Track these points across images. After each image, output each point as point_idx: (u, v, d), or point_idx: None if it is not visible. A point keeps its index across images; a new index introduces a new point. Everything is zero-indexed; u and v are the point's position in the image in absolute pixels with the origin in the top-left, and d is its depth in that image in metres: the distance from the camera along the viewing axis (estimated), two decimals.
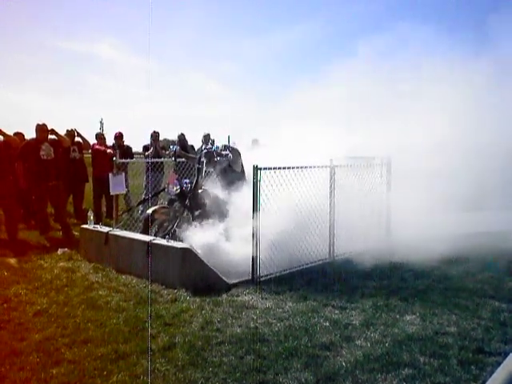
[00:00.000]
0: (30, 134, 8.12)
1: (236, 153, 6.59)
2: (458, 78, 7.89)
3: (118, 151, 10.00)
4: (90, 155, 10.17)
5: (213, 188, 6.68)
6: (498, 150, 7.35)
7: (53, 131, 7.90)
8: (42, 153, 7.63)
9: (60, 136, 8.04)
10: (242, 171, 6.66)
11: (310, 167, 6.13)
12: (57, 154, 7.81)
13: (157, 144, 10.19)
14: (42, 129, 7.71)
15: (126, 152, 10.15)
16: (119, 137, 10.28)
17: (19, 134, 8.77)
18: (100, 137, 10.17)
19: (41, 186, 7.66)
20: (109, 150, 9.55)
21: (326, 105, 7.58)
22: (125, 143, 10.37)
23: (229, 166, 6.56)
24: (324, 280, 5.50)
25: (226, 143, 6.91)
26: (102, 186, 8.96)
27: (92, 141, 10.02)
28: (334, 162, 6.36)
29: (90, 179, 10.01)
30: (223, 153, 6.46)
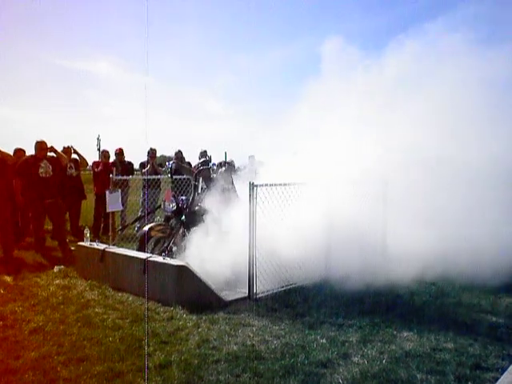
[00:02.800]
0: (28, 150, 8.18)
1: (231, 168, 6.64)
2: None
3: (115, 168, 10.07)
4: (87, 171, 10.20)
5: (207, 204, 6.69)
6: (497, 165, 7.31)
7: (52, 149, 7.94)
8: (40, 170, 7.65)
9: (59, 154, 8.08)
10: (232, 187, 6.69)
11: (307, 184, 6.15)
12: (55, 172, 7.84)
13: (153, 161, 10.24)
14: (41, 146, 7.75)
15: (127, 168, 10.19)
16: (120, 153, 10.34)
17: (20, 151, 8.79)
18: (104, 154, 10.26)
19: (38, 203, 7.66)
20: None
21: (325, 121, 7.58)
22: (126, 159, 10.43)
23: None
24: (321, 297, 5.48)
25: (223, 160, 6.96)
26: (103, 204, 8.98)
27: (89, 157, 10.08)
28: (330, 179, 6.37)
29: (87, 196, 10.02)
30: (220, 170, 6.52)
